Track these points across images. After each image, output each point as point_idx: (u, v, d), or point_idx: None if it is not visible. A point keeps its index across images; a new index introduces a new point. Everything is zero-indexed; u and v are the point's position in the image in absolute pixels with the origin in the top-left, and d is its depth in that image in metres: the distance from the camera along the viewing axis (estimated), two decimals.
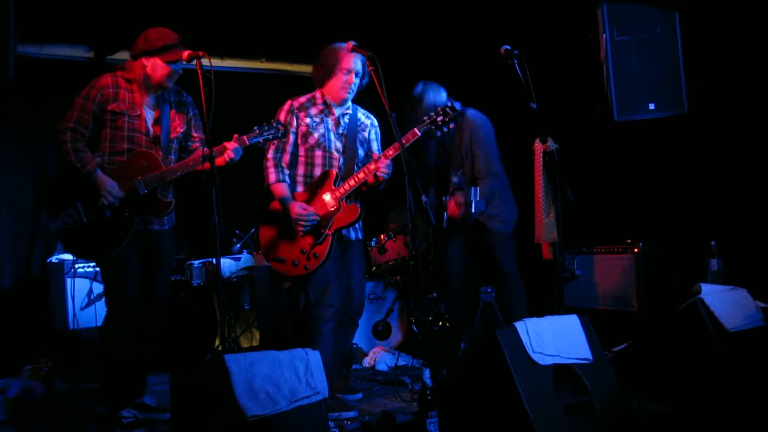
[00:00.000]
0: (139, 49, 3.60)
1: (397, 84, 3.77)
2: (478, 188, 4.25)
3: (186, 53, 3.41)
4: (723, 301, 3.57)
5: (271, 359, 2.76)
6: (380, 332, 5.41)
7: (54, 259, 4.88)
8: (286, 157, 4.00)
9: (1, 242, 5.22)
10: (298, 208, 3.86)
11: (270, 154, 3.98)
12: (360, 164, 4.11)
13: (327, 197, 3.92)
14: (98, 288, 4.79)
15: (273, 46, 5.95)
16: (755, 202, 4.51)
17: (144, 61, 3.59)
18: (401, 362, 5.00)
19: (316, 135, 3.99)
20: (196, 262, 5.21)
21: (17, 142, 5.29)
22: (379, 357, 5.09)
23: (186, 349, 5.08)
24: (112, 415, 3.59)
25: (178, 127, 3.78)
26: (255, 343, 5.46)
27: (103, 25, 5.04)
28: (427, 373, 3.10)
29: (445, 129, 3.87)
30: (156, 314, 3.78)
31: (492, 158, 4.46)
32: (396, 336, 5.47)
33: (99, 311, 4.74)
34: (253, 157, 4.03)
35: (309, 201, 3.94)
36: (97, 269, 4.68)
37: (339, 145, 4.04)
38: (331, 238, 3.89)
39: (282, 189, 3.95)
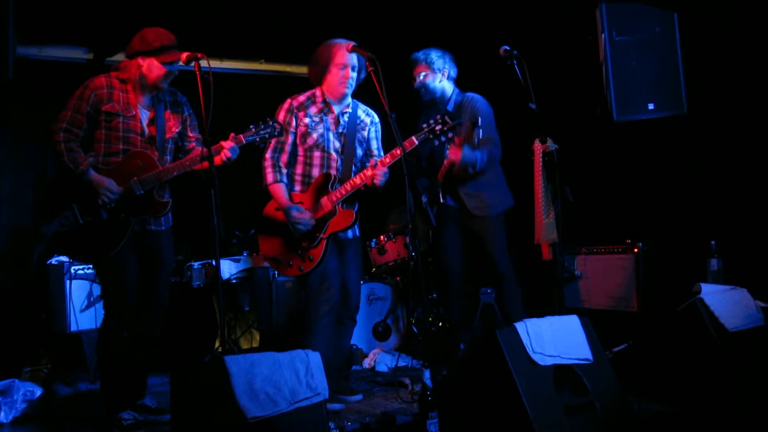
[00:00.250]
0: (135, 49, 3.58)
1: (396, 85, 3.77)
2: (480, 129, 4.16)
3: (185, 55, 3.40)
4: (723, 301, 3.56)
5: (271, 360, 2.76)
6: (380, 333, 5.41)
7: (54, 260, 4.88)
8: (285, 157, 4.00)
9: (0, 243, 5.21)
10: (294, 211, 3.88)
11: (268, 154, 3.99)
12: (358, 164, 4.11)
13: (324, 200, 3.93)
14: (98, 290, 4.77)
15: (272, 47, 5.95)
16: (755, 201, 4.51)
17: (140, 61, 3.57)
18: (401, 363, 5.00)
19: (314, 135, 3.99)
20: (196, 264, 5.21)
21: (17, 143, 5.29)
22: (379, 358, 5.09)
23: (186, 351, 5.08)
24: (112, 417, 3.58)
25: (173, 127, 3.76)
26: (255, 345, 5.47)
27: (103, 27, 5.04)
28: (427, 373, 3.10)
29: (443, 138, 3.86)
30: (156, 316, 3.77)
31: (492, 130, 4.44)
32: (396, 337, 5.47)
33: (98, 313, 4.72)
34: (253, 157, 4.03)
35: (306, 203, 3.94)
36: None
37: (338, 144, 4.04)
38: (326, 241, 3.91)
39: (279, 190, 3.95)
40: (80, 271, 4.78)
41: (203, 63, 3.26)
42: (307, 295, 3.97)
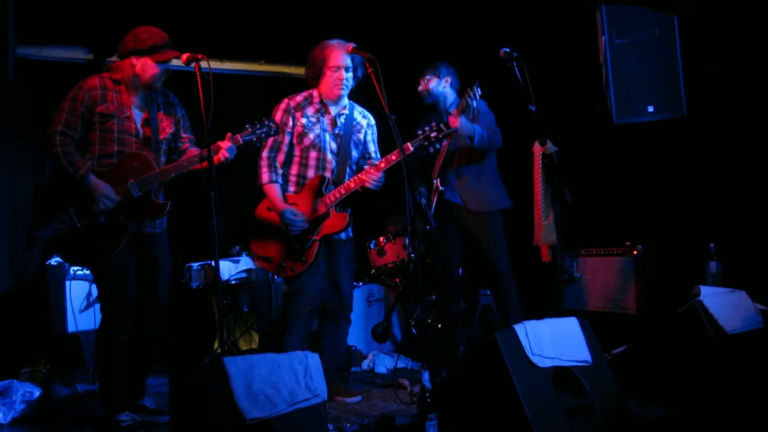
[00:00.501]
0: (128, 48, 3.54)
1: (396, 86, 3.77)
2: (477, 89, 4.18)
3: (185, 56, 3.36)
4: (722, 304, 3.56)
5: (270, 362, 2.76)
6: (379, 335, 5.41)
7: (53, 261, 4.87)
8: (281, 156, 4.01)
9: None
10: (288, 213, 3.89)
11: (264, 153, 3.99)
12: (353, 166, 4.13)
13: (317, 202, 3.93)
14: (97, 291, 4.78)
15: (272, 48, 5.95)
16: (754, 204, 4.51)
17: (133, 60, 3.54)
18: (400, 364, 5.00)
19: (311, 136, 3.99)
20: (195, 265, 5.21)
21: (16, 144, 5.29)
22: (377, 359, 5.09)
23: (185, 352, 5.08)
24: (110, 418, 3.57)
25: (167, 127, 3.74)
26: (254, 346, 5.46)
27: (102, 27, 5.04)
28: (426, 375, 3.10)
29: (438, 145, 3.88)
30: (156, 317, 3.75)
31: (494, 122, 4.48)
32: (395, 338, 5.47)
33: (98, 314, 4.65)
34: (253, 157, 4.03)
35: (299, 204, 3.95)
36: None
37: (334, 146, 4.04)
38: (318, 243, 3.92)
39: (274, 190, 3.96)
40: (79, 272, 4.78)
41: (203, 64, 3.25)
42: (289, 294, 4.00)
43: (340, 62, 3.92)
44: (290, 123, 3.99)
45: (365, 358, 5.19)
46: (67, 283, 4.71)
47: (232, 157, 3.63)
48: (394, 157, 3.86)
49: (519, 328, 3.03)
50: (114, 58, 3.70)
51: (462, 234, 4.57)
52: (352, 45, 3.82)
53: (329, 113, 4.05)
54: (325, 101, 4.04)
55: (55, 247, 3.58)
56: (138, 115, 3.64)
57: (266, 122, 3.70)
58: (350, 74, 3.98)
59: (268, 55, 6.17)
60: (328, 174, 4.00)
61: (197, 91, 3.20)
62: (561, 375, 3.01)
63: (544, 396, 2.90)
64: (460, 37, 5.46)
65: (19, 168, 5.30)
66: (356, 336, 5.31)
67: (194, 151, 3.75)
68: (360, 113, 4.19)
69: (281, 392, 2.71)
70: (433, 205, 4.30)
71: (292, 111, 4.01)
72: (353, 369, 5.01)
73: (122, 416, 3.57)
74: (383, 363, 5.03)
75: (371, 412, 3.84)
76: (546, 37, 5.18)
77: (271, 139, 3.90)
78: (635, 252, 4.78)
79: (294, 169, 4.03)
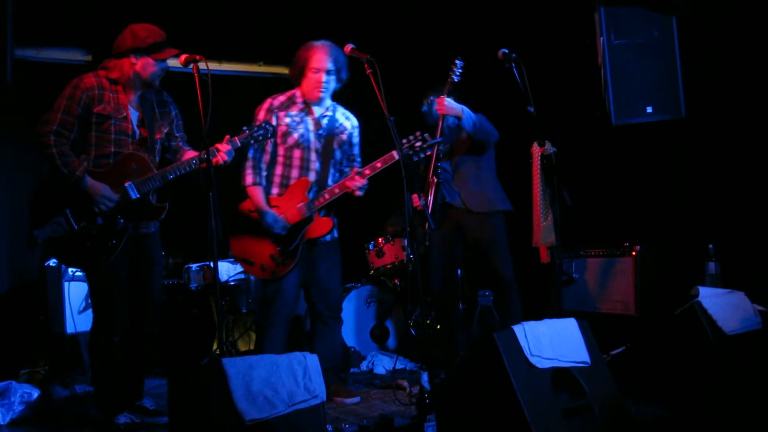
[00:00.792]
0: (127, 47, 3.50)
1: (395, 87, 3.77)
2: (459, 62, 4.26)
3: (183, 57, 3.33)
4: (721, 305, 3.57)
5: (269, 363, 2.76)
6: (378, 336, 5.41)
7: (52, 262, 4.87)
8: (266, 157, 4.01)
9: None
10: (270, 217, 3.89)
11: (250, 154, 3.98)
12: (338, 166, 4.13)
13: (300, 206, 3.93)
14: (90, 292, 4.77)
15: (271, 49, 5.95)
16: (753, 205, 4.51)
17: (133, 59, 3.51)
18: (399, 365, 5.00)
19: (295, 135, 3.99)
20: (194, 266, 5.21)
21: (15, 145, 5.28)
22: (376, 360, 5.09)
23: (184, 353, 5.07)
24: (109, 419, 3.57)
25: (162, 127, 3.71)
26: (253, 347, 5.45)
27: (101, 29, 5.03)
28: (425, 376, 3.10)
29: (422, 155, 3.87)
30: (153, 316, 3.73)
31: (485, 119, 4.47)
32: (394, 339, 5.47)
33: None
34: None
35: (282, 207, 3.94)
36: None
37: (318, 146, 4.04)
38: (301, 247, 3.92)
39: (257, 193, 3.95)
40: (78, 273, 4.77)
41: (202, 65, 3.23)
42: (265, 298, 3.98)
43: (321, 65, 3.92)
44: (274, 122, 3.97)
45: (364, 359, 5.19)
46: (66, 284, 4.71)
47: (231, 159, 3.63)
48: (379, 165, 3.87)
49: (518, 329, 3.03)
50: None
51: (463, 237, 4.56)
52: (350, 46, 3.81)
53: (312, 113, 4.05)
54: (308, 101, 4.04)
55: (52, 249, 3.53)
56: (134, 115, 3.61)
57: (264, 124, 3.70)
58: (332, 77, 3.98)
59: (267, 56, 6.16)
60: (312, 174, 4.00)
61: (192, 91, 3.18)
62: (560, 376, 3.01)
63: (543, 397, 2.90)
64: (459, 37, 5.46)
65: (19, 168, 5.30)
66: (355, 337, 5.32)
67: (190, 152, 3.74)
68: (343, 115, 4.18)
69: (280, 393, 2.71)
70: (431, 203, 4.30)
71: (276, 110, 4.01)
72: (352, 370, 5.01)
73: (121, 417, 3.57)
74: (382, 364, 5.02)
75: (370, 412, 3.84)
76: (545, 38, 5.19)
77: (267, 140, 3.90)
78: (634, 253, 4.78)
79: (278, 170, 4.02)
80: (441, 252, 4.58)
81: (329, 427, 3.17)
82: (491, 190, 4.54)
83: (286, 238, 3.91)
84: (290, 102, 4.05)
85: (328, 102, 4.10)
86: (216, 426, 2.63)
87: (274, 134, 3.77)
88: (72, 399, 4.33)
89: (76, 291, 4.74)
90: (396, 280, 5.53)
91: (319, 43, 3.96)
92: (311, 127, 4.03)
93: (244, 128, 3.69)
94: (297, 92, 4.07)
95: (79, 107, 3.45)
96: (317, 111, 4.06)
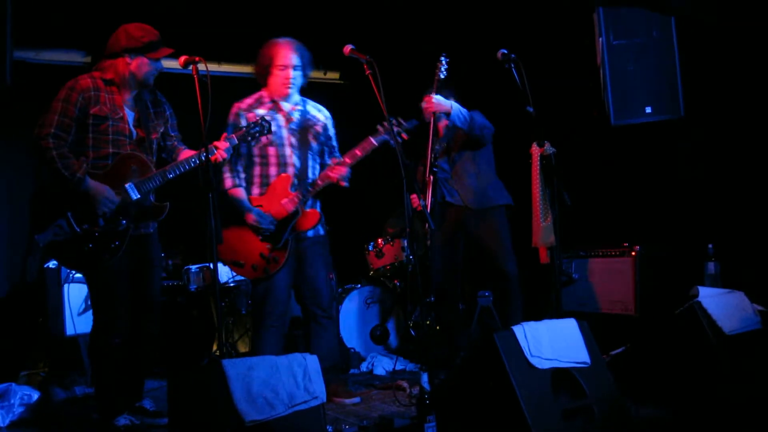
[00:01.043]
0: (121, 46, 3.49)
1: (395, 87, 3.77)
2: (444, 58, 4.26)
3: (182, 58, 3.33)
4: (721, 305, 3.57)
5: (269, 364, 2.76)
6: (378, 336, 5.41)
7: (51, 264, 4.87)
8: (242, 160, 4.02)
9: None
10: (254, 215, 3.90)
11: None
12: (317, 158, 4.13)
13: (284, 202, 3.93)
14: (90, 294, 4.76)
15: None
16: (752, 205, 4.51)
17: (128, 59, 3.51)
18: (399, 366, 5.00)
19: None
20: (194, 267, 5.21)
21: (14, 147, 5.29)
22: (376, 361, 5.09)
23: (184, 354, 5.07)
24: (109, 421, 3.56)
25: (158, 126, 3.71)
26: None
27: (100, 30, 5.02)
28: (424, 377, 3.10)
29: (399, 139, 3.84)
30: (153, 316, 3.73)
31: (480, 115, 4.47)
32: (394, 340, 5.47)
33: None
34: None
35: (265, 205, 3.95)
36: None
37: (293, 140, 4.05)
38: (290, 242, 3.92)
39: (239, 193, 3.97)
40: (78, 275, 4.77)
41: (201, 66, 3.24)
42: (257, 298, 3.99)
43: (288, 61, 3.95)
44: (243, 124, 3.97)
45: (364, 359, 5.19)
46: (66, 286, 4.70)
47: (229, 157, 3.65)
48: (359, 152, 3.91)
49: (518, 330, 3.03)
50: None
51: (464, 235, 4.56)
52: (350, 47, 3.81)
53: (282, 110, 4.06)
54: (275, 100, 4.05)
55: (54, 252, 3.50)
56: (130, 115, 3.60)
57: (260, 120, 3.71)
58: (298, 72, 4.00)
59: None
60: (290, 169, 4.00)
61: (190, 92, 3.18)
62: (560, 376, 3.01)
63: (542, 397, 2.90)
64: (458, 38, 5.46)
65: (18, 170, 5.30)
66: (355, 338, 5.32)
67: (187, 151, 3.74)
68: (314, 107, 4.20)
69: (280, 395, 2.71)
70: (429, 201, 4.29)
71: (244, 113, 4.02)
72: (352, 371, 5.01)
73: (120, 419, 3.57)
74: (382, 365, 5.03)
75: (370, 413, 3.84)
76: (544, 38, 5.19)
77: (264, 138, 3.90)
78: (633, 253, 4.78)
79: (256, 170, 4.03)
80: (442, 252, 4.58)
81: (329, 428, 3.17)
82: (490, 186, 4.54)
83: (274, 234, 3.92)
84: (258, 103, 4.06)
85: (297, 97, 4.11)
86: (216, 427, 2.63)
87: (270, 130, 3.78)
88: (72, 401, 4.33)
89: (75, 293, 4.73)
90: (396, 281, 5.53)
91: (282, 40, 3.99)
92: (282, 123, 4.04)
93: (241, 125, 3.73)
94: (264, 93, 4.09)
95: (75, 109, 3.44)
96: (286, 106, 4.07)
